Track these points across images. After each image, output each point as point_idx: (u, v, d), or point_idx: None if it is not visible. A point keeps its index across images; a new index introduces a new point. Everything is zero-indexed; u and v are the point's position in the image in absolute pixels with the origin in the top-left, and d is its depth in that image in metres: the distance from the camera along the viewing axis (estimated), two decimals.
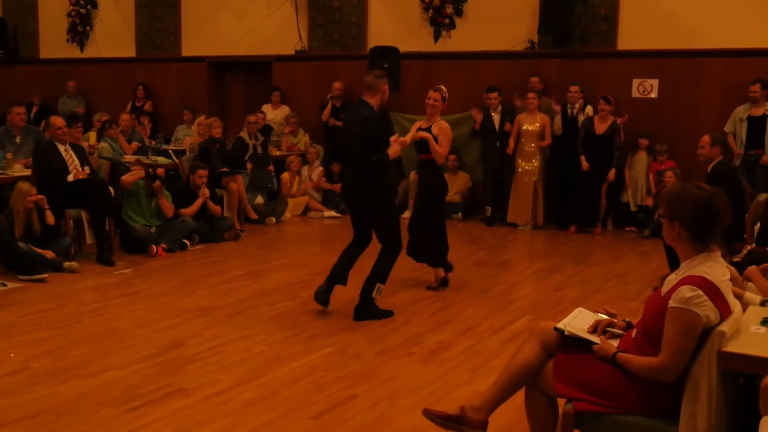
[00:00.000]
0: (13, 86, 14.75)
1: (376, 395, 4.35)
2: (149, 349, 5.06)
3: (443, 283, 6.81)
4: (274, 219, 10.06)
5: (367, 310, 5.86)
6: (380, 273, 5.87)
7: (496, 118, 10.21)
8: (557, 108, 9.93)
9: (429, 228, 6.72)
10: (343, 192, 6.23)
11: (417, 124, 6.67)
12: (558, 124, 9.93)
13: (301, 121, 11.79)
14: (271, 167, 10.57)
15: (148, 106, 13.13)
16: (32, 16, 14.67)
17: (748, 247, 5.74)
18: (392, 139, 5.91)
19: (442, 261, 6.84)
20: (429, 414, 3.50)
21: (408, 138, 6.38)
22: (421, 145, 6.55)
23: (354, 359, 4.96)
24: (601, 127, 9.51)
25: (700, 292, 2.86)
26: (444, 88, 6.65)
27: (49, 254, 7.15)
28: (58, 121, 7.81)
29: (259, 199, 10.22)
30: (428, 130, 6.54)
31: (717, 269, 2.98)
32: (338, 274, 5.90)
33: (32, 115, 13.10)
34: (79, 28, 14.08)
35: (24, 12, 14.73)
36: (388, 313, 5.93)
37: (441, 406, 3.62)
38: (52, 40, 14.46)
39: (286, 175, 10.85)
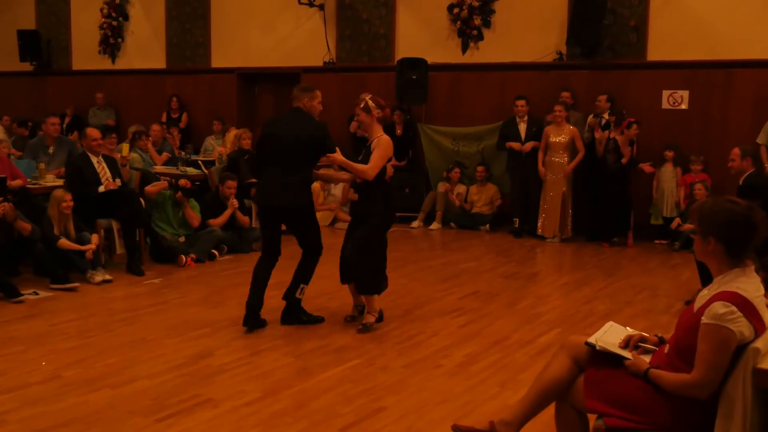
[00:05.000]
0: (45, 97, 14.99)
1: (404, 408, 4.34)
2: (178, 359, 5.09)
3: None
4: None
5: (295, 312, 5.97)
6: (305, 275, 5.99)
7: (522, 127, 10.18)
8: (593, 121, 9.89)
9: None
10: (261, 195, 5.93)
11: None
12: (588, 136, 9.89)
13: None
14: None
15: (183, 118, 13.20)
16: (65, 29, 14.91)
17: None
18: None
19: None
20: (458, 429, 3.50)
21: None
22: None
23: (382, 371, 4.95)
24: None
25: (733, 308, 2.83)
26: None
27: (89, 247, 7.21)
28: (93, 132, 7.91)
29: None
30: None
31: (751, 284, 2.94)
32: (257, 301, 5.84)
33: (65, 126, 13.28)
34: (111, 40, 14.27)
35: (57, 24, 14.97)
36: (317, 319, 6.02)
37: (469, 420, 3.61)
38: (85, 52, 14.67)
39: (316, 185, 10.85)
